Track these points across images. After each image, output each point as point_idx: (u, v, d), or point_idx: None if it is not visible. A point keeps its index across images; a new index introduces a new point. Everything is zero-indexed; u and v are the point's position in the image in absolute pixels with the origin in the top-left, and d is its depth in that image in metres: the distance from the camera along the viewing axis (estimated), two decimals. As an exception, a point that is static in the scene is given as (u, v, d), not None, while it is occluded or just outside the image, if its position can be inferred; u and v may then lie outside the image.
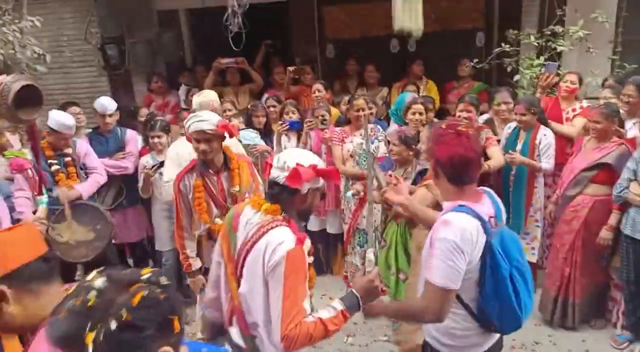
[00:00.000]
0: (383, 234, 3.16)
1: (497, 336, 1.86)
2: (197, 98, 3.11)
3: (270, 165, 1.80)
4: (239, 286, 1.76)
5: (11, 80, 1.88)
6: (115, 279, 1.00)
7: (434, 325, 1.84)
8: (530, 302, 1.76)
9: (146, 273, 1.05)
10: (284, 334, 1.56)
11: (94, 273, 1.01)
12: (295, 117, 4.07)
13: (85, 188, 3.57)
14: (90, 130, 4.22)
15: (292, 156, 1.77)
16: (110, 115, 4.07)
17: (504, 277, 1.67)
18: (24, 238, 1.32)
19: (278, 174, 1.74)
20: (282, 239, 1.65)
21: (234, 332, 1.82)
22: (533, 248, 3.71)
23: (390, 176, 2.20)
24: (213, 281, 1.97)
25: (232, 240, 1.81)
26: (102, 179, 3.75)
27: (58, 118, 3.43)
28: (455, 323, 1.78)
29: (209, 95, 3.14)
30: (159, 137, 3.77)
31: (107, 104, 4.07)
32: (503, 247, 1.70)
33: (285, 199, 1.75)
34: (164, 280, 1.05)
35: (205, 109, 2.95)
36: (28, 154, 3.26)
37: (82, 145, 3.74)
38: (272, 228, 1.69)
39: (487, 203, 1.79)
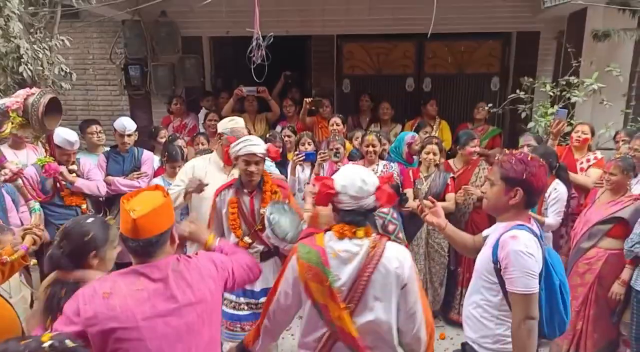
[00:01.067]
0: None
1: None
2: (229, 124, 3.16)
3: (323, 195, 1.80)
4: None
5: (40, 94, 1.98)
6: None
7: (475, 328, 2.03)
8: (569, 312, 1.98)
9: (47, 340, 1.07)
10: (430, 335, 1.81)
11: None
12: (310, 148, 4.12)
13: (84, 182, 3.64)
14: (109, 148, 4.29)
15: (355, 181, 1.77)
16: (129, 136, 4.15)
17: (556, 287, 1.90)
18: None
19: (361, 203, 1.77)
20: (401, 252, 1.80)
21: None
22: None
23: (429, 199, 2.31)
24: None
25: (328, 276, 1.75)
26: (102, 189, 3.81)
27: (62, 134, 3.49)
28: (506, 330, 1.94)
29: (240, 123, 3.21)
30: (179, 166, 3.80)
31: (127, 124, 4.15)
32: (552, 261, 1.93)
33: (369, 218, 1.84)
34: (69, 343, 1.08)
35: (238, 134, 3.05)
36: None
37: (87, 162, 3.82)
38: (384, 248, 1.77)
39: (535, 224, 2.00)
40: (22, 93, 1.95)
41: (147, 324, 1.53)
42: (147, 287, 1.56)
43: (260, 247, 2.81)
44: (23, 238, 2.13)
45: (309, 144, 4.17)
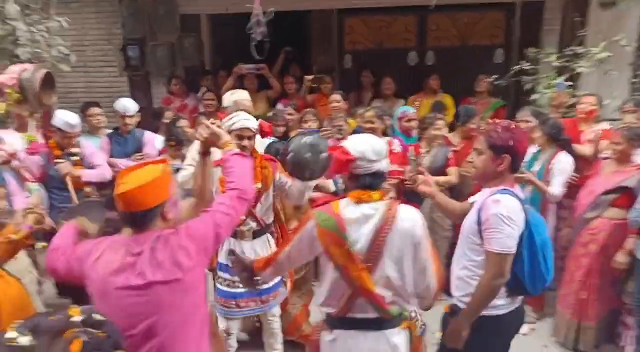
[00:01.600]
0: None
1: (518, 304, 2.20)
2: (232, 97, 3.16)
3: (342, 163, 1.92)
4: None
5: (34, 69, 2.00)
6: (43, 331, 0.99)
7: (462, 288, 2.15)
8: (551, 271, 2.13)
9: (76, 314, 1.06)
10: (440, 282, 1.98)
11: (13, 331, 0.99)
12: (315, 126, 4.10)
13: (88, 173, 3.61)
14: (111, 131, 4.28)
15: (372, 145, 1.92)
16: (131, 117, 4.13)
17: (537, 246, 2.06)
18: None
19: (378, 166, 1.92)
20: (414, 212, 1.96)
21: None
22: None
23: (419, 170, 2.46)
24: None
25: (347, 240, 1.88)
26: (109, 173, 3.78)
27: (63, 117, 3.45)
28: None
29: (243, 95, 3.20)
30: (184, 149, 3.79)
31: (128, 105, 4.12)
32: (535, 222, 2.08)
33: (381, 182, 1.98)
34: (97, 317, 1.08)
35: (241, 106, 3.04)
36: (40, 138, 3.33)
37: (88, 146, 3.79)
38: (397, 210, 1.91)
39: (518, 188, 2.17)
40: (16, 70, 1.96)
41: (117, 296, 1.60)
42: (124, 259, 1.62)
43: (253, 225, 2.83)
44: (26, 218, 2.17)
45: (312, 122, 4.14)
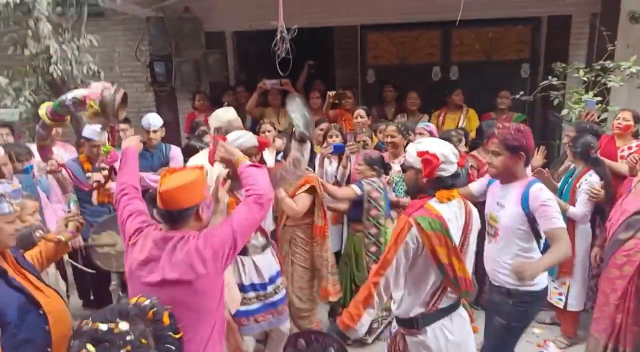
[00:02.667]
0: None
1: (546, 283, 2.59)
2: (225, 115, 3.15)
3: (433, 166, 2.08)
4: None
5: (115, 90, 2.28)
6: (134, 315, 1.17)
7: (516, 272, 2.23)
8: None
9: (144, 302, 1.24)
10: None
11: (103, 325, 1.14)
12: (338, 140, 4.08)
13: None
14: (138, 145, 4.34)
15: (450, 148, 2.14)
16: (155, 132, 4.19)
17: None
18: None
19: (453, 166, 2.11)
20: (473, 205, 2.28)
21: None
22: (560, 293, 3.56)
23: None
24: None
25: (452, 239, 2.06)
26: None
27: (90, 127, 3.60)
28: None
29: (234, 113, 3.20)
30: None
31: (152, 120, 4.18)
32: None
33: (458, 182, 2.24)
34: (160, 306, 1.26)
35: (236, 125, 3.03)
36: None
37: (116, 154, 3.84)
38: (470, 205, 2.23)
39: None
40: (98, 85, 2.25)
41: (138, 283, 1.76)
42: (151, 253, 1.76)
43: (262, 239, 2.86)
44: (66, 226, 2.23)
45: (336, 136, 4.13)
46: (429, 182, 2.11)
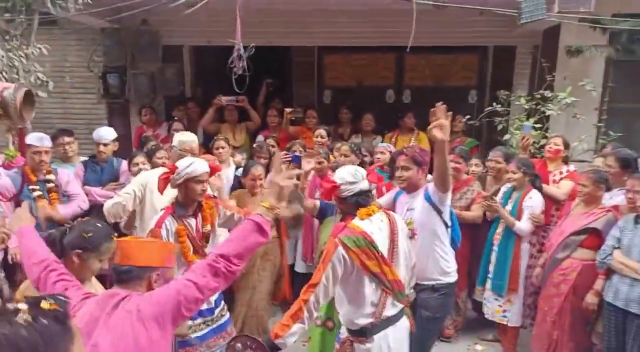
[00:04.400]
0: None
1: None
2: (181, 137, 3.27)
3: (329, 189, 2.41)
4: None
5: (16, 87, 2.19)
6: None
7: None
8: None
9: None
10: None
11: None
12: (302, 155, 4.14)
13: (65, 210, 3.56)
14: (87, 158, 4.21)
15: (347, 170, 2.45)
16: (105, 145, 4.09)
17: None
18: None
19: (360, 186, 2.38)
20: (397, 215, 2.62)
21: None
22: (505, 310, 3.70)
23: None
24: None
25: (377, 250, 2.30)
26: (84, 205, 3.74)
27: (33, 134, 3.54)
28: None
29: (191, 137, 3.34)
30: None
31: (102, 133, 4.09)
32: None
33: (369, 199, 2.45)
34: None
35: (185, 147, 3.22)
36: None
37: (64, 173, 3.74)
38: (393, 215, 2.52)
39: None
40: None
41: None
42: (92, 314, 1.62)
43: None
44: None
45: (300, 151, 4.18)
46: (343, 204, 2.45)
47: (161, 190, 2.82)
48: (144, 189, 3.23)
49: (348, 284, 2.33)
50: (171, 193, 3.03)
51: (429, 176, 2.92)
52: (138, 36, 5.55)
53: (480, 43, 5.74)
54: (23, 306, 1.02)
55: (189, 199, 2.77)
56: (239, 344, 2.09)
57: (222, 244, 1.79)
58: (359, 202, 2.39)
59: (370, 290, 2.32)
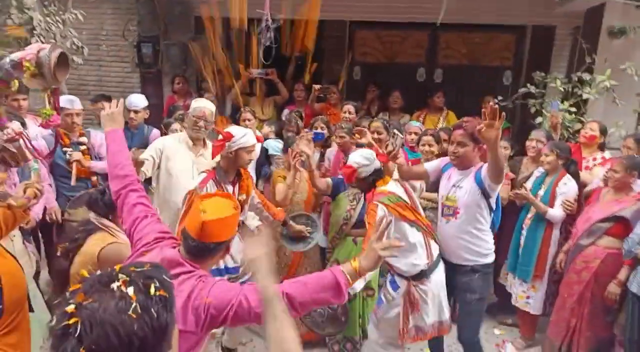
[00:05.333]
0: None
1: None
2: (196, 104, 3.32)
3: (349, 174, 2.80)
4: None
5: (51, 48, 2.18)
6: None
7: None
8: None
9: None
10: None
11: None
12: (324, 132, 4.15)
13: (96, 164, 3.67)
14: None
15: (360, 154, 2.82)
16: (136, 112, 4.18)
17: None
18: None
19: (374, 166, 2.79)
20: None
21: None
22: (528, 297, 3.62)
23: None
24: None
25: (407, 202, 2.78)
26: None
27: (65, 96, 3.60)
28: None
29: (204, 102, 3.35)
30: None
31: (134, 100, 4.18)
32: None
33: (382, 174, 2.86)
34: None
35: (197, 113, 3.23)
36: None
37: (97, 136, 3.83)
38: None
39: None
40: (34, 46, 2.16)
41: None
42: None
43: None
44: (24, 192, 2.23)
45: (322, 128, 4.18)
46: (362, 183, 2.86)
47: (214, 156, 2.96)
48: (161, 154, 3.29)
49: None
50: (188, 160, 3.11)
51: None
52: (171, 6, 5.60)
53: (519, 22, 5.54)
54: (130, 290, 0.94)
55: (234, 167, 2.85)
56: None
57: (295, 283, 1.64)
58: (375, 179, 2.80)
59: (413, 234, 2.71)
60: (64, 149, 3.63)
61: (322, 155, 4.15)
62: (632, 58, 4.72)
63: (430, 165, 3.08)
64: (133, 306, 0.91)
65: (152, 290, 0.95)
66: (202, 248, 1.62)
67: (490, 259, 2.89)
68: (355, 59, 6.17)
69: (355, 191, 3.26)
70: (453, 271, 2.88)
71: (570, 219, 3.65)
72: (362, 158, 2.78)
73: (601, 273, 3.18)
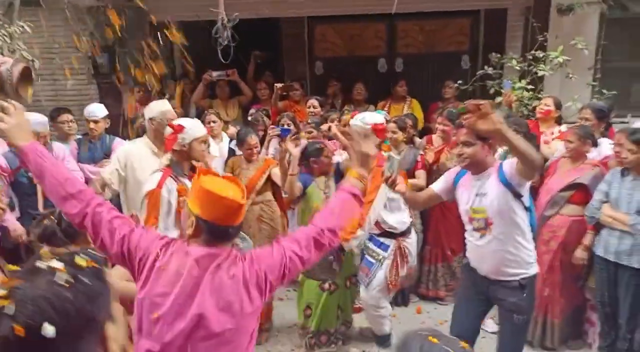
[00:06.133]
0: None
1: None
2: (158, 107, 3.19)
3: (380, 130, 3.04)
4: None
5: (12, 64, 2.02)
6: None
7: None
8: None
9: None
10: None
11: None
12: (291, 128, 4.13)
13: None
14: (81, 136, 4.23)
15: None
16: (96, 122, 4.09)
17: None
18: None
19: None
20: None
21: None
22: None
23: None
24: None
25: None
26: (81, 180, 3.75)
27: (32, 118, 3.38)
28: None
29: (168, 105, 3.25)
30: None
31: (93, 109, 4.10)
32: None
33: None
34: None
35: (169, 116, 3.12)
36: None
37: (60, 149, 3.74)
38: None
39: None
40: None
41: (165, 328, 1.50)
42: (191, 273, 1.50)
43: None
44: None
45: (288, 124, 4.17)
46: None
47: (168, 149, 2.83)
48: (124, 166, 3.17)
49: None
50: (155, 166, 3.06)
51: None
52: (124, 14, 5.48)
53: (472, 7, 5.65)
54: (58, 264, 0.94)
55: (189, 159, 2.81)
56: None
57: (322, 216, 1.72)
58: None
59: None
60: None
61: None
62: (582, 33, 4.88)
63: (438, 185, 2.71)
64: (64, 277, 0.91)
65: (83, 262, 0.96)
66: (224, 232, 1.56)
67: (536, 268, 2.55)
68: (315, 54, 6.19)
69: (324, 179, 3.30)
70: (493, 285, 2.54)
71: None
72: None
73: (568, 241, 3.28)
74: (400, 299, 4.05)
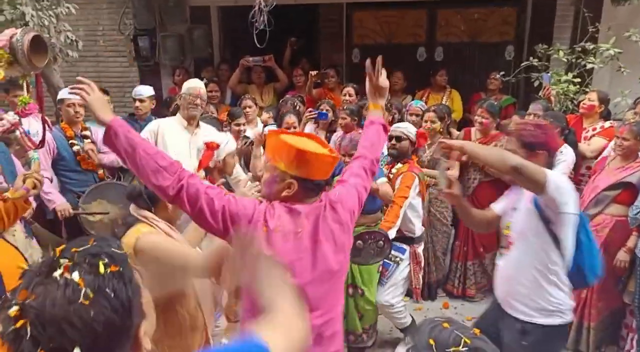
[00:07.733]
0: None
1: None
2: (188, 84, 3.31)
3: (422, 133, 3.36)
4: None
5: (22, 31, 1.99)
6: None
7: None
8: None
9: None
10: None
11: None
12: (329, 113, 4.13)
13: (107, 158, 3.64)
14: (127, 115, 4.34)
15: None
16: (142, 101, 4.18)
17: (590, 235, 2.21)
18: None
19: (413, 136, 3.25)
20: None
21: None
22: None
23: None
24: None
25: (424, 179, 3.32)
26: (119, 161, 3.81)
27: (63, 89, 3.61)
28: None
29: (197, 83, 3.34)
30: None
31: (139, 89, 4.21)
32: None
33: None
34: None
35: (192, 92, 3.22)
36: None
37: (98, 133, 3.80)
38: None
39: None
40: (7, 32, 1.97)
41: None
42: (306, 221, 1.61)
43: None
44: (24, 183, 2.18)
45: (327, 110, 4.16)
46: (406, 151, 3.19)
47: (204, 165, 3.06)
48: (156, 136, 3.26)
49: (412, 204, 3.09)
50: (184, 139, 3.19)
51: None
52: (165, -2, 5.56)
53: (519, -5, 5.43)
54: (75, 276, 0.82)
55: (220, 174, 3.10)
56: (359, 242, 2.69)
57: (367, 147, 1.91)
58: (413, 151, 3.31)
59: (420, 207, 3.19)
60: (70, 141, 3.59)
61: (328, 140, 4.13)
62: (637, 25, 4.60)
63: (498, 206, 2.34)
64: (83, 291, 0.80)
65: (102, 268, 0.84)
66: (321, 186, 1.68)
67: (557, 319, 2.08)
68: (353, 41, 6.10)
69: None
70: (502, 315, 2.23)
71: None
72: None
73: (610, 242, 3.13)
74: (427, 292, 3.99)
